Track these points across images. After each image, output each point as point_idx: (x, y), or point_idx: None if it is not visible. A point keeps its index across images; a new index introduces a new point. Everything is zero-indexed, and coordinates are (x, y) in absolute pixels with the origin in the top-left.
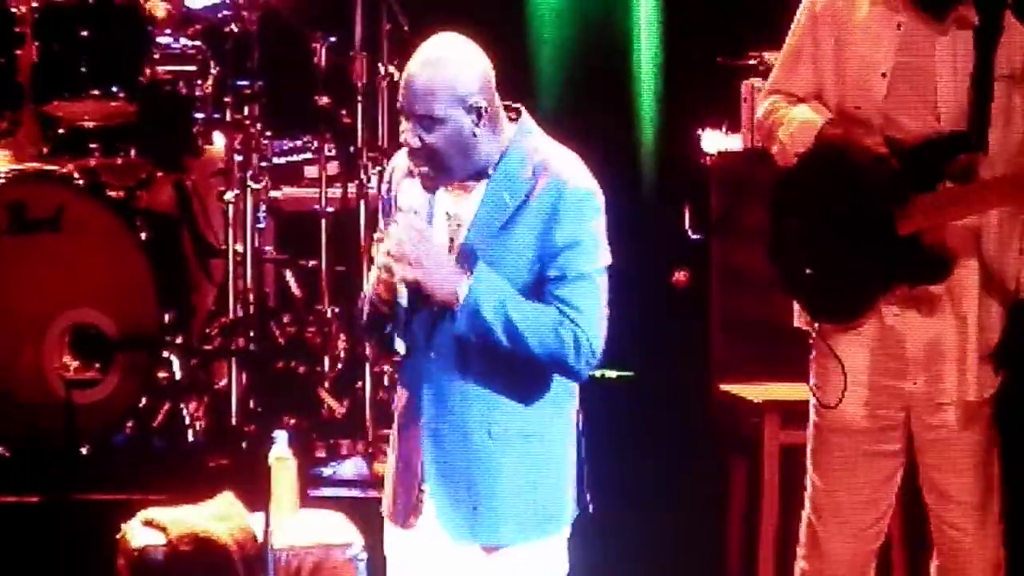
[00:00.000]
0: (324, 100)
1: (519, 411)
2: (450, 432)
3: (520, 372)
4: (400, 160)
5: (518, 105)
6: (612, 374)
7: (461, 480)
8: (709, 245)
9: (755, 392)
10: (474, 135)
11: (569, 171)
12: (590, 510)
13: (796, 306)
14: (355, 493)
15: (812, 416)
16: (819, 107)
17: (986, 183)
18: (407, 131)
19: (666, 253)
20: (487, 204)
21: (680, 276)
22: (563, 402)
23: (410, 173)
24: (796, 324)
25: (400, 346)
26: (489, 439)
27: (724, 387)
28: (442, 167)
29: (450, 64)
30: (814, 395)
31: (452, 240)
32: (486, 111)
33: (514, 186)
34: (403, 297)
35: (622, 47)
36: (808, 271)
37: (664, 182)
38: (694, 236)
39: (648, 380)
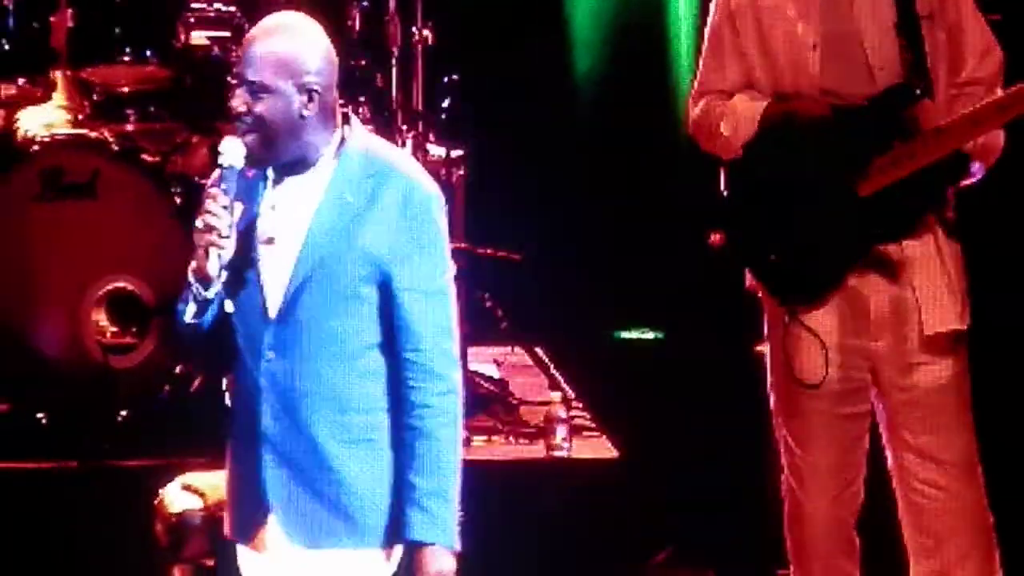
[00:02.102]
0: (359, 63)
1: (363, 415)
2: (297, 439)
3: (361, 374)
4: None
5: (347, 111)
6: (646, 335)
7: (311, 490)
8: None
9: None
10: (302, 117)
11: (413, 173)
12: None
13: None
14: None
15: (779, 383)
16: (754, 94)
17: (940, 129)
18: (236, 96)
19: (702, 215)
20: (328, 202)
21: (716, 237)
22: (400, 408)
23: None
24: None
25: (229, 306)
26: (338, 445)
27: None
28: (266, 142)
29: (291, 38)
30: (792, 367)
31: (271, 238)
32: (319, 96)
33: (355, 185)
34: (214, 268)
35: (662, 10)
36: (772, 257)
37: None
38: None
39: (686, 342)
